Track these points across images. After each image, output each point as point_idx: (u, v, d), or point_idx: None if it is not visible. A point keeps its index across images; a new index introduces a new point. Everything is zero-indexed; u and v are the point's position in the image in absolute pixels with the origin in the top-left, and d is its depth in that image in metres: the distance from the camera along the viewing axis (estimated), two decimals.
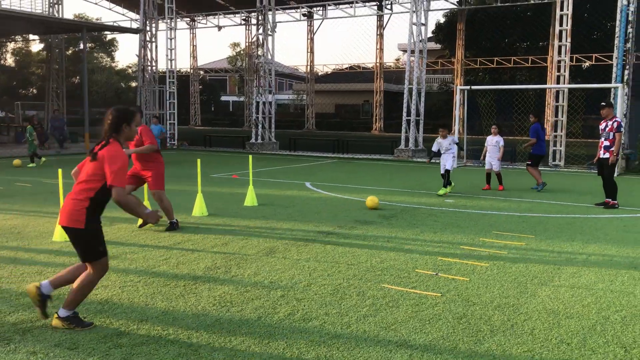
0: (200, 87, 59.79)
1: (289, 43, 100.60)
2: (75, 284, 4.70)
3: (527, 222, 9.77)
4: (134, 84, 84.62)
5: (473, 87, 19.48)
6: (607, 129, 11.14)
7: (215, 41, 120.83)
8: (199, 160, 10.52)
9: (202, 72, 63.88)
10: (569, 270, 6.74)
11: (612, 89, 18.57)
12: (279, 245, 7.78)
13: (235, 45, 73.42)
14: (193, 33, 57.58)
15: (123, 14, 54.75)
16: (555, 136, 20.02)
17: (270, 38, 26.50)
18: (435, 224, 9.49)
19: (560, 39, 20.06)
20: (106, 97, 69.93)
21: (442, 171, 12.97)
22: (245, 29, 54.99)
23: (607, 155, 11.16)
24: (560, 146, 19.86)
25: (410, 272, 6.56)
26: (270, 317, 5.06)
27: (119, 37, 76.89)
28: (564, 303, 5.54)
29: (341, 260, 7.07)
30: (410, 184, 15.22)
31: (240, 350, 4.36)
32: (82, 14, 74.84)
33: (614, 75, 18.87)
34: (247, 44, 57.36)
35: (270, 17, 26.49)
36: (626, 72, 18.56)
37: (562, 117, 19.89)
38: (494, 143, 13.84)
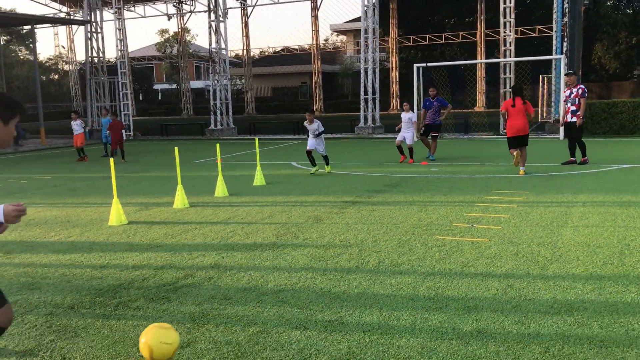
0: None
1: None
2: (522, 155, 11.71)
3: (515, 182, 11.13)
4: (56, 77, 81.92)
5: (429, 64, 20.81)
6: (573, 95, 12.64)
7: (139, 29, 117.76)
8: (217, 145, 11.24)
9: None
10: (575, 214, 8.07)
11: (554, 60, 20.39)
12: (320, 214, 8.72)
13: (164, 31, 72.27)
14: (122, 22, 56.40)
15: (45, 4, 53.17)
16: None
17: (222, 24, 26.92)
18: (439, 188, 10.68)
19: (505, 16, 21.73)
20: (29, 91, 67.32)
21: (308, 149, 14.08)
22: (177, 16, 54.55)
23: (574, 119, 12.67)
24: None
25: (450, 225, 7.69)
26: (365, 267, 6.04)
27: (37, 29, 73.89)
28: (588, 237, 6.82)
29: (384, 222, 8.11)
30: (387, 157, 16.40)
31: (366, 287, 5.32)
32: None
33: (554, 47, 20.71)
34: (178, 29, 56.93)
35: (221, 2, 26.88)
36: (565, 44, 20.42)
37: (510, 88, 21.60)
38: (406, 119, 15.11)
